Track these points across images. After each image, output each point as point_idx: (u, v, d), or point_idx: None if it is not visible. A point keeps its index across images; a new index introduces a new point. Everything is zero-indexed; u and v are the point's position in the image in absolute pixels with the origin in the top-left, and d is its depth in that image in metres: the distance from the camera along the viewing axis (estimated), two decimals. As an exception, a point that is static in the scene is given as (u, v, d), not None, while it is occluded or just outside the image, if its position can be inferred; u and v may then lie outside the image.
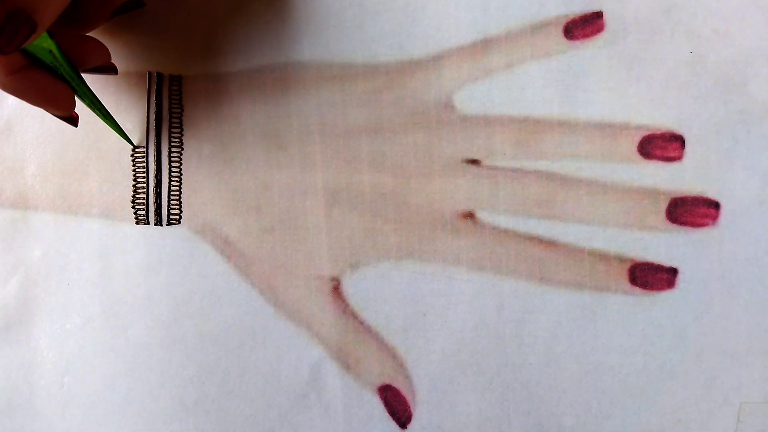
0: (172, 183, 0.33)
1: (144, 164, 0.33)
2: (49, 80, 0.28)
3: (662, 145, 0.32)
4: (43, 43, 0.27)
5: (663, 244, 0.32)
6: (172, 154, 0.33)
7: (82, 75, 0.29)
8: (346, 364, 0.33)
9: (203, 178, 0.33)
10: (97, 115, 0.31)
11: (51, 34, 0.27)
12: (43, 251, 0.33)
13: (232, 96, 0.33)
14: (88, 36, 0.30)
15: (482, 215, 0.33)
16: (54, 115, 0.30)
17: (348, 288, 0.33)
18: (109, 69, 0.31)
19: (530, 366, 0.33)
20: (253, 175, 0.33)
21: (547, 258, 0.32)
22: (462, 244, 0.33)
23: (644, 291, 0.32)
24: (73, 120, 0.30)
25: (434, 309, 0.33)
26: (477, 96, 0.33)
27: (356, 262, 0.33)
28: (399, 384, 0.33)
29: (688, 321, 0.32)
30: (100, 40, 0.30)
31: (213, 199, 0.33)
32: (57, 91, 0.28)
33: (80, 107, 0.30)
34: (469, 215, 0.33)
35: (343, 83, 0.33)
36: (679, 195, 0.32)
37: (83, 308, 0.33)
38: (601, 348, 0.32)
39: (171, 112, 0.33)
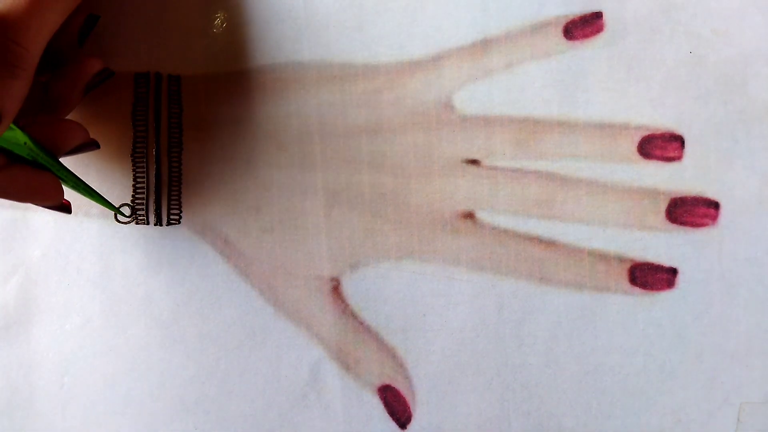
0: (172, 183, 0.33)
1: (144, 164, 0.33)
2: (32, 174, 0.27)
3: (662, 145, 0.32)
4: (16, 138, 0.27)
5: (663, 244, 0.32)
6: (172, 155, 0.33)
7: (66, 158, 0.29)
8: (346, 364, 0.33)
9: (203, 178, 0.33)
10: (83, 194, 0.30)
11: (23, 126, 0.27)
12: (43, 251, 0.33)
13: (232, 96, 0.33)
14: (63, 119, 0.30)
15: (482, 215, 0.33)
16: (44, 207, 0.29)
17: (348, 288, 0.33)
18: (90, 146, 0.31)
19: (530, 366, 0.33)
20: (252, 176, 0.33)
21: (547, 258, 0.32)
22: (462, 244, 0.33)
23: (644, 291, 0.32)
24: (66, 208, 0.30)
25: (434, 309, 0.33)
26: (477, 96, 0.33)
27: (356, 262, 0.33)
28: (399, 384, 0.33)
29: (687, 321, 0.32)
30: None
31: (212, 200, 0.33)
32: (42, 182, 0.28)
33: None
34: (469, 215, 0.33)
35: (343, 83, 0.33)
36: (678, 195, 0.32)
37: (83, 308, 0.33)
38: (601, 348, 0.32)
39: (170, 112, 0.33)
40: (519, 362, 0.33)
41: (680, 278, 0.32)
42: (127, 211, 0.33)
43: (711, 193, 0.32)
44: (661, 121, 0.32)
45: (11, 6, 0.25)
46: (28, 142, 0.27)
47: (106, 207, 0.32)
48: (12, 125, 0.26)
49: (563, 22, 0.32)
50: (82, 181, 0.30)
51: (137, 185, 0.33)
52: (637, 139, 0.32)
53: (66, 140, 0.29)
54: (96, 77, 0.31)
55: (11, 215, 0.33)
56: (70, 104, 0.30)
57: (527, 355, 0.33)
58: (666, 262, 0.32)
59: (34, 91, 0.29)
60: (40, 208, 0.33)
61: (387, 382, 0.33)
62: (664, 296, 0.32)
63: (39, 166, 0.28)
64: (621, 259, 0.32)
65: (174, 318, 0.33)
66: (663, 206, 0.32)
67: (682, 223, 0.32)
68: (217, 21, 0.33)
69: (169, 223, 0.33)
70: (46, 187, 0.28)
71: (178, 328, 0.33)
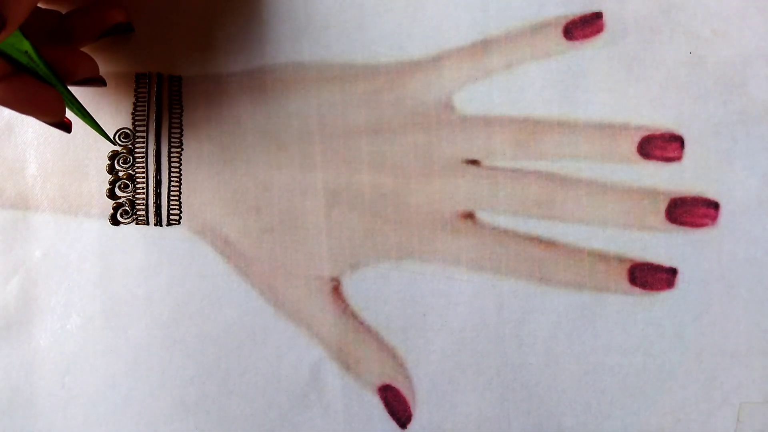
0: (172, 183, 0.33)
1: (144, 165, 0.33)
2: (36, 86, 0.27)
3: (662, 146, 0.32)
4: (18, 45, 0.26)
5: (662, 245, 0.32)
6: (172, 155, 0.33)
7: (71, 89, 0.29)
8: (346, 364, 0.33)
9: (203, 178, 0.33)
10: (77, 115, 0.30)
11: (35, 44, 0.27)
12: (43, 251, 0.33)
13: (232, 96, 0.33)
14: (76, 48, 0.30)
15: (482, 215, 0.33)
16: (45, 122, 0.29)
17: (348, 288, 0.33)
18: (97, 81, 0.31)
19: (530, 366, 0.33)
20: (252, 176, 0.33)
21: (547, 258, 0.33)
22: (462, 244, 0.33)
23: (644, 291, 0.32)
24: (65, 126, 0.30)
25: (434, 309, 0.33)
26: (477, 96, 0.33)
27: (356, 262, 0.33)
28: (399, 384, 0.33)
29: (687, 321, 0.32)
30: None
31: (213, 200, 0.33)
32: (45, 97, 0.28)
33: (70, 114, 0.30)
34: (469, 215, 0.33)
35: (343, 84, 0.33)
36: (678, 195, 0.32)
37: (83, 308, 0.33)
38: (601, 348, 0.32)
39: (171, 112, 0.33)
40: (519, 362, 0.33)
41: (680, 278, 0.32)
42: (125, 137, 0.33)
43: (711, 194, 0.32)
44: (661, 121, 0.32)
45: None
46: (30, 51, 0.27)
47: (99, 133, 0.31)
48: (18, 32, 0.26)
49: (563, 23, 0.32)
50: (78, 101, 0.30)
51: (137, 185, 0.33)
52: (636, 139, 0.32)
53: (75, 68, 0.29)
54: (115, 27, 0.31)
55: (11, 215, 0.33)
56: (82, 42, 0.30)
57: (527, 355, 0.33)
58: (666, 262, 0.32)
59: (51, 20, 0.29)
60: (41, 207, 0.33)
61: (387, 381, 0.33)
62: (663, 296, 0.32)
63: (42, 80, 0.28)
64: (621, 259, 0.32)
65: (174, 318, 0.33)
66: (663, 206, 0.32)
67: (682, 224, 0.32)
68: None
69: (169, 224, 0.33)
70: (48, 102, 0.28)
71: (178, 328, 0.33)
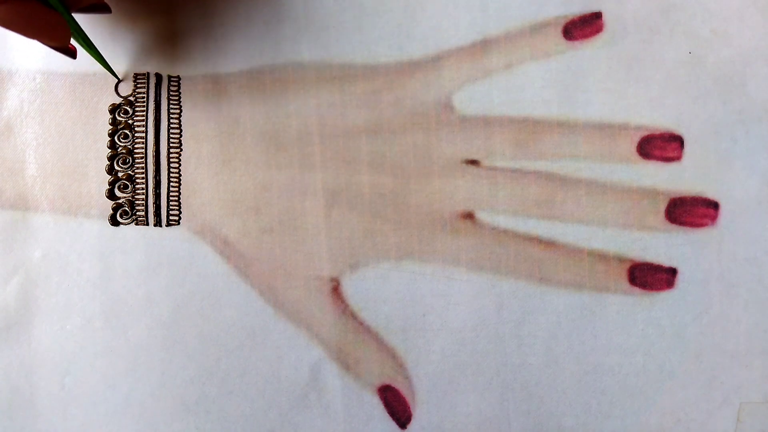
0: (171, 184, 0.33)
1: (143, 165, 0.33)
2: (41, 10, 0.27)
3: (661, 146, 0.32)
4: None
5: (662, 245, 0.32)
6: (171, 155, 0.33)
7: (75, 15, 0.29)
8: (346, 364, 0.33)
9: (202, 178, 0.33)
10: (82, 46, 0.30)
11: None
12: (43, 252, 0.33)
13: (231, 97, 0.33)
14: None
15: (481, 216, 0.33)
16: (50, 46, 0.29)
17: (347, 288, 0.33)
18: (101, 8, 0.31)
19: (530, 366, 0.33)
20: (252, 176, 0.33)
21: (546, 258, 0.32)
22: (461, 244, 0.33)
23: (644, 291, 0.32)
24: (70, 52, 0.30)
25: (434, 309, 0.33)
26: (476, 96, 0.33)
27: (356, 262, 0.33)
28: (399, 384, 0.33)
29: (687, 321, 0.32)
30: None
31: (212, 200, 0.33)
32: (50, 20, 0.28)
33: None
34: (469, 216, 0.33)
35: (343, 84, 0.33)
36: (678, 195, 0.32)
37: (83, 309, 0.33)
38: (601, 348, 0.32)
39: (170, 112, 0.33)
40: (519, 362, 0.33)
41: (680, 278, 0.32)
42: (124, 88, 0.33)
43: (710, 194, 0.32)
44: (661, 121, 0.32)
45: None
46: None
47: (103, 65, 0.31)
48: None
49: (563, 23, 0.32)
50: (83, 31, 0.30)
51: (137, 186, 0.33)
52: (636, 139, 0.32)
53: None
54: None
55: (11, 216, 0.33)
56: None
57: (527, 354, 0.33)
58: (665, 262, 0.32)
59: None
60: (40, 208, 0.33)
61: (387, 382, 0.33)
62: (663, 296, 0.32)
63: (47, 6, 0.28)
64: (620, 259, 0.32)
65: (174, 318, 0.33)
66: (662, 206, 0.32)
67: (682, 223, 0.32)
68: None
69: (168, 224, 0.33)
70: (53, 26, 0.28)
71: (178, 328, 0.33)
